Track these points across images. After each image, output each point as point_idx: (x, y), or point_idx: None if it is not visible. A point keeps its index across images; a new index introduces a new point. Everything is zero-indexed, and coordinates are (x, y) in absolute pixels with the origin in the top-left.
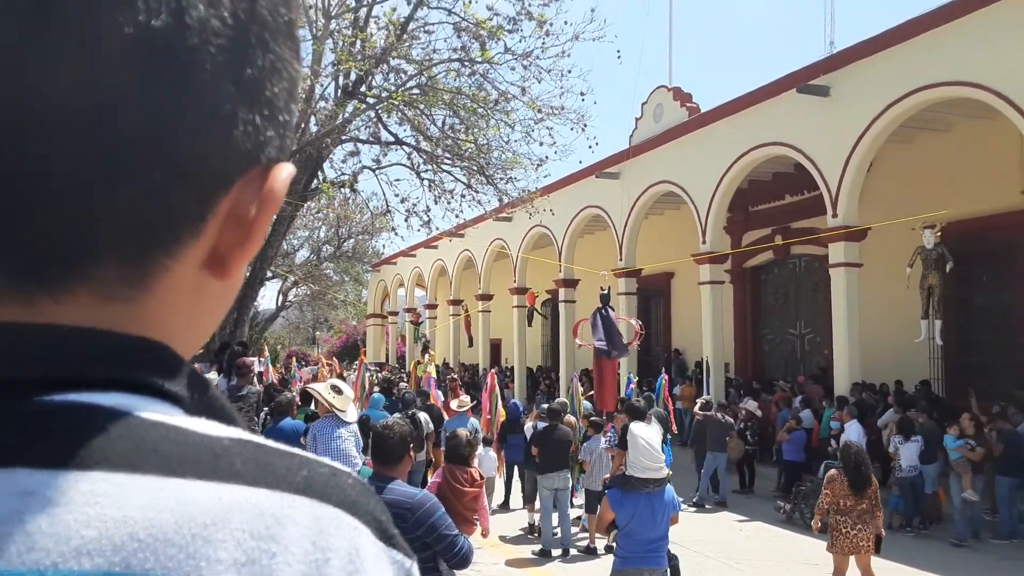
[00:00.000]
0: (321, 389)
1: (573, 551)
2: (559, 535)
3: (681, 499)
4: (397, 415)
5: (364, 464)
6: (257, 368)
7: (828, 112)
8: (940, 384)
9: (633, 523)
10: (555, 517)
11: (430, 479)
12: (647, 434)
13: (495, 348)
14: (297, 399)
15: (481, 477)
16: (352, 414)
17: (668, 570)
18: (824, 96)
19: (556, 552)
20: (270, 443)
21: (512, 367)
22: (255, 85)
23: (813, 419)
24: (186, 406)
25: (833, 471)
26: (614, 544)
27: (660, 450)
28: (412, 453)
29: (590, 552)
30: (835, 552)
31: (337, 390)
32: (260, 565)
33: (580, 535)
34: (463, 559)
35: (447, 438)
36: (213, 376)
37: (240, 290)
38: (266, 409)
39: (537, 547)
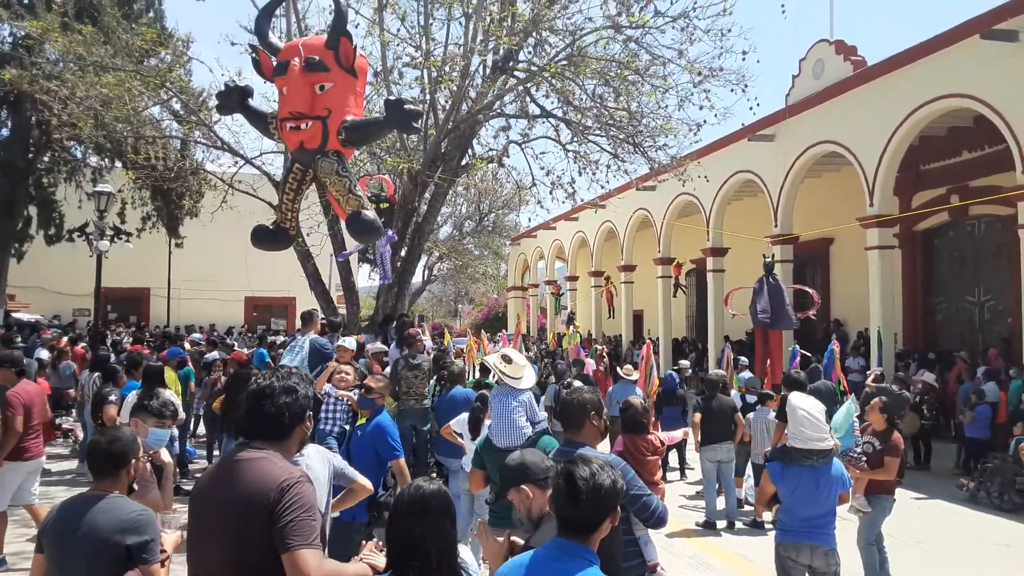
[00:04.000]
0: (493, 359)
1: (739, 524)
2: (724, 508)
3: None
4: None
5: (545, 434)
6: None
7: (1017, 59)
8: None
9: (795, 497)
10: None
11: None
12: (807, 404)
13: (637, 319)
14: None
15: (662, 443)
16: (527, 381)
17: (836, 550)
18: (1012, 41)
19: (721, 524)
20: None
21: (656, 338)
22: None
23: (998, 392)
24: None
25: None
26: (776, 519)
27: (824, 420)
28: (595, 420)
29: (757, 526)
30: None
31: (507, 359)
32: None
33: (747, 508)
34: (659, 518)
35: (621, 408)
36: (380, 346)
37: (401, 265)
38: (434, 378)
39: (701, 518)
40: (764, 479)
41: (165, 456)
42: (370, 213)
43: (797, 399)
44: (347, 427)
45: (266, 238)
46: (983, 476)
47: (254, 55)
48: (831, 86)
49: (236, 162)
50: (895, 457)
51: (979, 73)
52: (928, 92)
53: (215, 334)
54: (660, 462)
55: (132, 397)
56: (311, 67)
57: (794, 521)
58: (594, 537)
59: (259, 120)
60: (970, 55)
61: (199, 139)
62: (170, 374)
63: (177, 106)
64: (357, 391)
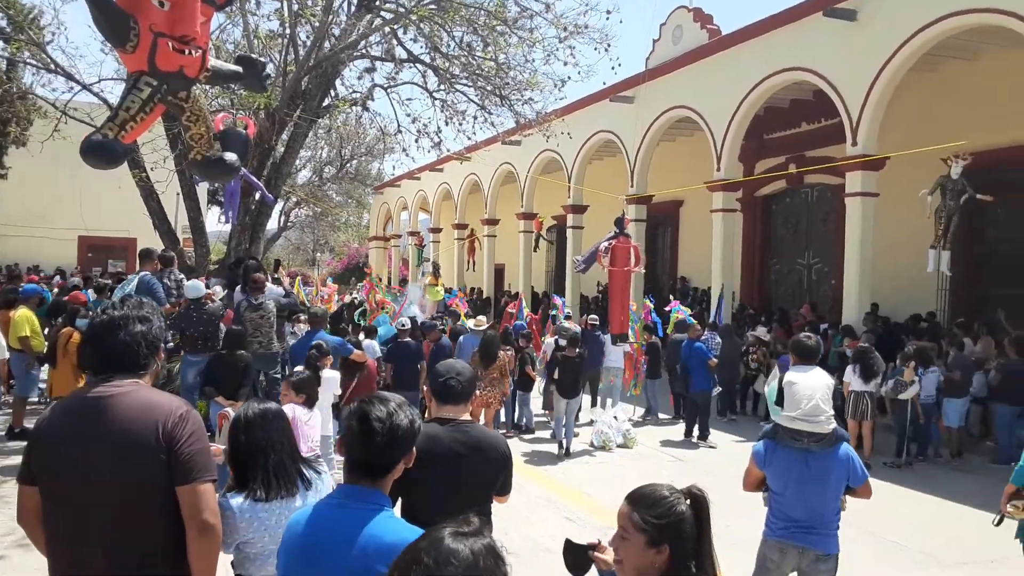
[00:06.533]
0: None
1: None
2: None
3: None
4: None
5: None
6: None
7: (854, 37)
8: (945, 315)
9: (782, 487)
10: None
11: None
12: (805, 380)
13: (499, 273)
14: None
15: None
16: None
17: (837, 556)
18: (851, 20)
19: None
20: None
21: (516, 292)
22: None
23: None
24: None
25: None
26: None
27: (824, 398)
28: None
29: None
30: None
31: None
32: None
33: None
34: None
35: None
36: (220, 291)
37: (256, 207)
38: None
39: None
40: (750, 462)
41: None
42: (230, 155)
43: (795, 376)
44: None
45: (102, 151)
46: None
47: None
48: (688, 53)
49: (71, 87)
50: None
51: (820, 49)
52: (773, 64)
53: (41, 274)
54: None
55: None
56: None
57: (778, 518)
58: (386, 480)
59: (118, 19)
60: (813, 31)
61: (28, 60)
62: (26, 313)
63: (3, 22)
64: None
